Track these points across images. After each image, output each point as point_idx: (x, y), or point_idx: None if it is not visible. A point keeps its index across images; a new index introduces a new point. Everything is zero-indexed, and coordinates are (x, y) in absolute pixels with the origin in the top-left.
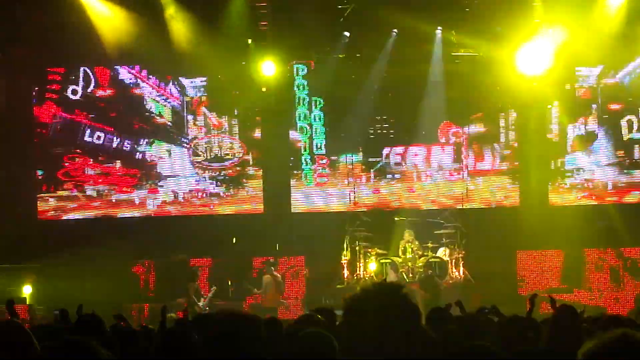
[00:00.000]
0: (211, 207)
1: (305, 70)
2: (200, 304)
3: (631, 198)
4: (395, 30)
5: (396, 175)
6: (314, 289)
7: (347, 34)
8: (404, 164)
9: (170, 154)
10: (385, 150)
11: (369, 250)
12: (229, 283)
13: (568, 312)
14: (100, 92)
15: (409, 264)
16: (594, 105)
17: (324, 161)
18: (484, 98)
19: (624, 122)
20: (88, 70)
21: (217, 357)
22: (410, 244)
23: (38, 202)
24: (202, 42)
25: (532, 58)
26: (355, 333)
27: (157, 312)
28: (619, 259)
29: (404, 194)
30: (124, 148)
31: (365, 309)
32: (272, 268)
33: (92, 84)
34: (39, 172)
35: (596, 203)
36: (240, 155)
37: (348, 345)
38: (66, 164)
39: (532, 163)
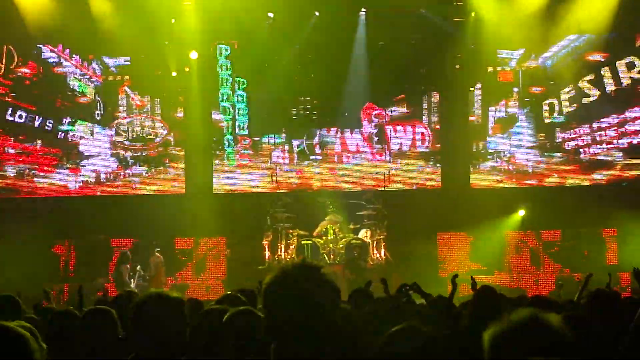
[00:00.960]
0: (133, 187)
1: (229, 51)
2: (132, 285)
3: (551, 181)
4: (317, 12)
5: (318, 157)
6: (235, 270)
7: (271, 14)
8: (325, 145)
9: (92, 134)
10: (308, 132)
11: (291, 231)
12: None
13: (488, 292)
14: (22, 70)
15: (331, 245)
16: (516, 89)
17: (247, 142)
18: (407, 80)
19: (545, 106)
20: (11, 48)
21: (141, 335)
22: (332, 225)
23: None
24: (126, 21)
25: None
26: (275, 313)
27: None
28: (538, 242)
29: (325, 175)
30: (46, 127)
31: (284, 288)
32: (157, 250)
33: (15, 62)
34: None
35: (517, 185)
36: (163, 135)
37: (269, 325)
38: None
39: (454, 145)
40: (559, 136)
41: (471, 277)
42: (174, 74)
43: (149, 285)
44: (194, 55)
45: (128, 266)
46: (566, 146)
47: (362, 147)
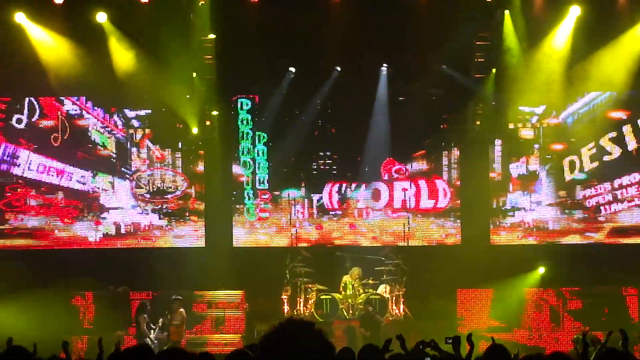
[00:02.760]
0: (153, 240)
1: (250, 105)
2: (152, 336)
3: (572, 239)
4: (339, 67)
5: (338, 212)
6: (254, 325)
7: (292, 69)
8: (345, 201)
9: (113, 186)
10: (328, 187)
11: (310, 286)
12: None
13: (499, 351)
14: (44, 123)
15: (350, 300)
16: (536, 145)
17: (267, 196)
18: (427, 135)
19: (566, 163)
20: (33, 100)
21: None
22: (351, 280)
23: None
24: (147, 74)
25: None
26: None
27: (95, 344)
28: (558, 299)
29: (345, 230)
30: (67, 179)
31: (278, 345)
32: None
33: (37, 114)
34: None
35: (537, 243)
36: (183, 188)
37: None
38: (8, 194)
39: (474, 202)
40: (580, 194)
41: (492, 338)
42: (194, 130)
43: (170, 336)
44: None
45: (146, 317)
46: (587, 204)
47: (382, 202)
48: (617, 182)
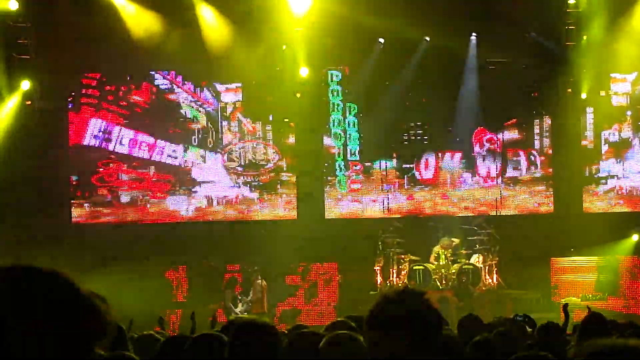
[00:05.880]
0: (245, 212)
1: (340, 76)
2: (237, 310)
3: None
4: (427, 37)
5: (430, 182)
6: (347, 296)
7: (381, 40)
8: (437, 171)
9: (204, 160)
10: (421, 157)
11: (402, 256)
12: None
13: (596, 320)
14: (135, 98)
15: (442, 270)
16: (629, 112)
17: (358, 167)
18: (518, 104)
19: None
20: (124, 75)
21: None
22: (444, 250)
23: (72, 207)
24: (237, 47)
25: None
26: (378, 340)
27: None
28: None
29: (437, 200)
30: (158, 154)
31: (386, 315)
32: (259, 275)
33: (128, 90)
34: (74, 178)
35: (630, 210)
36: (275, 161)
37: (372, 350)
38: (100, 169)
39: (567, 170)
40: None
41: (588, 307)
42: (298, 95)
43: (251, 310)
44: (304, 72)
45: (232, 291)
46: None
47: (474, 172)
48: None
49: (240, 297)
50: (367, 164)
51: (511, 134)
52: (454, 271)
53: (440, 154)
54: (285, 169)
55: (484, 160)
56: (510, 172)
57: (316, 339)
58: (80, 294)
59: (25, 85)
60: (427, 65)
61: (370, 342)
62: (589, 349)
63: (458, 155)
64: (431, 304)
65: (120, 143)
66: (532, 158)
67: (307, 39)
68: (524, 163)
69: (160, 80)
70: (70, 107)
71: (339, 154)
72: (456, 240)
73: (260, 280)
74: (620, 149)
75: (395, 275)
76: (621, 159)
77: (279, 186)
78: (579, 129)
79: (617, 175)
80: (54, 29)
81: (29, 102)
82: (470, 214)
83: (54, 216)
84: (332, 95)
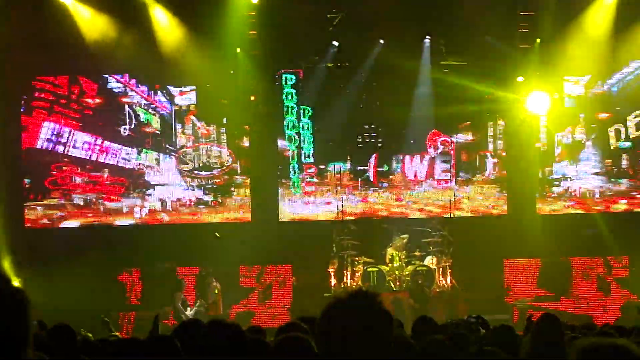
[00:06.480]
0: (199, 215)
1: (294, 79)
2: (188, 312)
3: (618, 207)
4: (382, 40)
5: (384, 184)
6: (301, 298)
7: (335, 43)
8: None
9: (158, 163)
10: (373, 159)
11: (356, 258)
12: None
13: (550, 320)
14: (88, 101)
15: (396, 272)
16: (582, 115)
17: (312, 170)
18: (472, 107)
19: (611, 131)
20: (77, 79)
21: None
22: (398, 252)
23: (25, 210)
24: (191, 50)
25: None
26: (329, 340)
27: (145, 320)
28: (606, 268)
29: (391, 202)
30: (112, 157)
31: (337, 316)
32: (213, 277)
33: (81, 93)
34: (27, 181)
35: (583, 212)
36: (229, 163)
37: (323, 352)
38: (54, 172)
39: (520, 172)
40: (626, 161)
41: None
42: (252, 98)
43: (208, 312)
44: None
45: (182, 293)
46: (633, 172)
47: (428, 174)
48: None
49: (198, 300)
50: (321, 166)
51: (465, 136)
52: (407, 273)
53: (394, 156)
54: (239, 171)
55: (438, 162)
56: (464, 174)
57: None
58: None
59: None
60: (381, 68)
61: (321, 345)
62: (581, 347)
63: (412, 157)
64: (383, 306)
65: (74, 146)
66: (486, 160)
67: (261, 42)
68: (477, 165)
69: (114, 84)
70: (22, 110)
71: (293, 156)
72: (406, 236)
73: (215, 283)
74: (573, 151)
75: (349, 277)
76: (574, 161)
77: (233, 189)
78: (532, 131)
79: (570, 177)
80: (6, 33)
81: None
82: (424, 216)
83: (7, 220)
84: (287, 99)
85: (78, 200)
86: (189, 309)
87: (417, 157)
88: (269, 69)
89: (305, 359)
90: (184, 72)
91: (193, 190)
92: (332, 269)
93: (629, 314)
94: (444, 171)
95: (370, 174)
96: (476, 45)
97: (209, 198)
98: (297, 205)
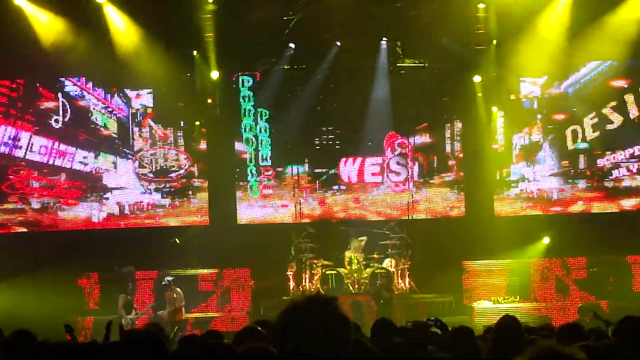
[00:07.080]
0: (157, 219)
1: (251, 82)
2: (129, 317)
3: (576, 208)
4: (339, 42)
5: (342, 187)
6: (260, 302)
7: (292, 45)
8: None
9: (115, 166)
10: (341, 161)
11: (315, 261)
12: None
13: (510, 322)
14: (45, 104)
15: (355, 275)
16: (539, 116)
17: (270, 172)
18: (429, 108)
19: (568, 132)
20: (33, 82)
21: None
22: (356, 254)
23: None
24: (147, 53)
25: None
26: (286, 346)
27: (102, 324)
28: (564, 269)
29: (349, 204)
30: (69, 160)
31: (293, 321)
32: (171, 283)
33: (37, 96)
34: None
35: (541, 213)
36: (186, 167)
37: (281, 358)
38: (11, 176)
39: (478, 173)
40: (583, 163)
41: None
42: (209, 101)
43: (172, 319)
44: (215, 76)
45: (125, 296)
46: (590, 173)
47: (385, 176)
48: (619, 151)
49: (153, 305)
50: (278, 169)
51: (422, 138)
52: (366, 275)
53: (351, 159)
54: (196, 174)
55: (395, 164)
56: (421, 176)
57: None
58: None
59: None
60: (338, 70)
61: (279, 349)
62: (532, 353)
63: (369, 159)
64: (340, 311)
65: (31, 150)
66: (443, 162)
67: (218, 45)
68: (434, 167)
69: (70, 87)
70: None
71: (250, 159)
72: (364, 238)
73: (178, 288)
74: (530, 152)
75: (308, 280)
76: (532, 162)
77: (190, 192)
78: (489, 132)
79: (527, 179)
80: None
81: None
82: (382, 218)
83: None
84: (244, 101)
85: (36, 204)
86: (134, 311)
87: (350, 160)
88: (225, 72)
89: None
90: (141, 74)
91: (151, 193)
92: (291, 272)
93: (586, 316)
94: (373, 174)
95: (327, 176)
96: (433, 47)
97: (166, 201)
98: (254, 208)
